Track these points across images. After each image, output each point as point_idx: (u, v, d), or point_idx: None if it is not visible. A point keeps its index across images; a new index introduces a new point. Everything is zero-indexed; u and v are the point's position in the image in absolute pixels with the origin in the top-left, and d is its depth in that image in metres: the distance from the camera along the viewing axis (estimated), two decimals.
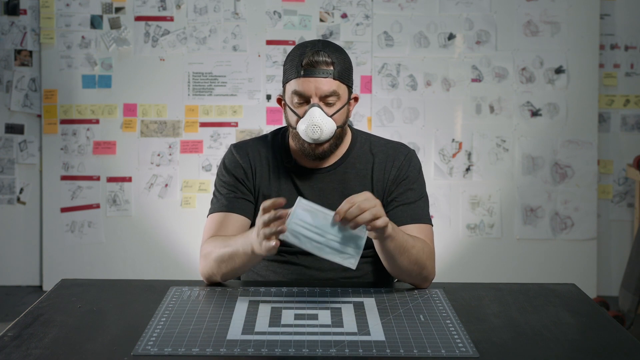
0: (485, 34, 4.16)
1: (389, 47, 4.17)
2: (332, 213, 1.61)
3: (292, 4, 4.17)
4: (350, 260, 1.62)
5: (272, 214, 1.61)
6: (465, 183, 4.20)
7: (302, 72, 1.85)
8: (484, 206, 4.20)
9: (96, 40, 4.18)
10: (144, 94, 4.20)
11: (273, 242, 1.61)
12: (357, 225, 1.60)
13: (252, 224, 1.93)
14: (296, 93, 1.86)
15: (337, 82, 1.86)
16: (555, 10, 4.15)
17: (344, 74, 1.88)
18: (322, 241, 1.60)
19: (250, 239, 1.71)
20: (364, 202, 1.61)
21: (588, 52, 4.16)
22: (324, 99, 1.86)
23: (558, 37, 4.16)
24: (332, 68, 1.85)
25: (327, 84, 1.85)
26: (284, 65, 1.92)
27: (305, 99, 1.86)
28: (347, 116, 1.93)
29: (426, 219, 1.95)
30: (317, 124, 1.84)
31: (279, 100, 1.97)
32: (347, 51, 4.30)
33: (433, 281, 1.88)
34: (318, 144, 1.88)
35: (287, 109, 1.91)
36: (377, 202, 1.63)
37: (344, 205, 1.60)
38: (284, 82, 1.92)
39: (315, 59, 1.84)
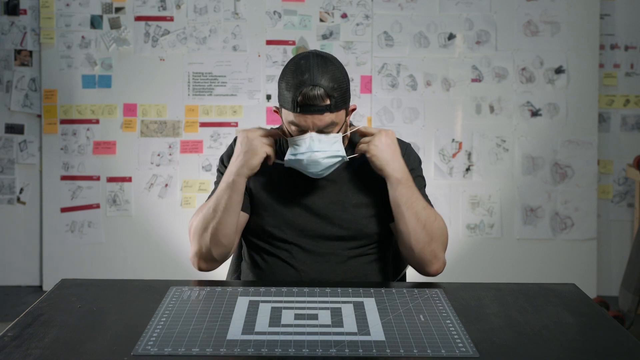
0: (485, 34, 4.16)
1: (389, 47, 4.17)
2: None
3: (292, 4, 4.17)
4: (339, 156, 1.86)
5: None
6: (465, 183, 4.20)
7: (298, 110, 1.79)
8: (484, 206, 4.20)
9: (96, 40, 4.18)
10: (144, 94, 4.19)
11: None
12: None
13: (249, 218, 1.97)
14: (293, 124, 1.83)
15: (334, 114, 1.82)
16: (555, 10, 4.15)
17: (341, 103, 1.83)
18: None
19: (231, 165, 1.89)
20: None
21: (588, 52, 4.16)
22: (322, 128, 1.83)
23: (558, 37, 4.16)
24: (328, 102, 1.79)
25: (324, 118, 1.81)
26: (279, 84, 1.85)
27: (302, 130, 1.83)
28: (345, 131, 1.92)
29: (431, 205, 1.95)
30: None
31: (276, 112, 1.92)
32: (347, 51, 4.32)
33: (433, 281, 1.87)
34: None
35: (284, 126, 1.88)
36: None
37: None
38: (280, 104, 1.86)
39: (312, 93, 1.77)
